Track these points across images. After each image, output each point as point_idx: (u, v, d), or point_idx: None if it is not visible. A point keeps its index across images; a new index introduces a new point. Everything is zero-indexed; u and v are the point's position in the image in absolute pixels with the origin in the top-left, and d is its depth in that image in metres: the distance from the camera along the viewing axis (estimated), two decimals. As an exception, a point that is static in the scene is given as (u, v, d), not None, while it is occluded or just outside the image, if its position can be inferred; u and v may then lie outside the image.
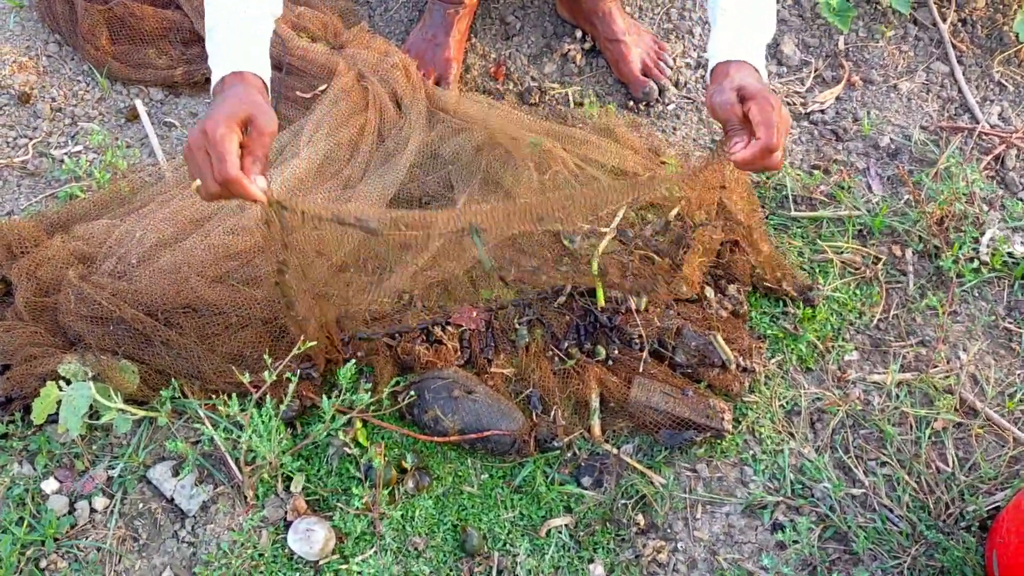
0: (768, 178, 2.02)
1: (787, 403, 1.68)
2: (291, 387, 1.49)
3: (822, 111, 2.18)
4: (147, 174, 1.87)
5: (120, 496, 1.54)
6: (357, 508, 1.50)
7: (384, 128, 1.92)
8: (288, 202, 1.34)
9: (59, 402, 1.49)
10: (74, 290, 1.54)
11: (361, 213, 1.39)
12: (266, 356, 1.45)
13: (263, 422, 1.45)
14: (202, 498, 1.53)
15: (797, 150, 2.10)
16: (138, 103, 2.04)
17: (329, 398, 1.52)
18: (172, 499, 1.54)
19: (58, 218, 1.76)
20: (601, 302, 1.67)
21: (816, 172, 2.03)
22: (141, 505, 1.54)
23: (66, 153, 1.97)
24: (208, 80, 1.96)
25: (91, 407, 1.50)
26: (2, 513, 1.50)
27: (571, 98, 2.19)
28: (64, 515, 1.51)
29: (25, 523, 1.49)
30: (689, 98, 2.20)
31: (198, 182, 1.27)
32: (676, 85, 2.21)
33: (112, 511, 1.53)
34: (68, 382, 1.52)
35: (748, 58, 1.43)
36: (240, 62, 1.36)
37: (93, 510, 1.52)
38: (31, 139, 1.99)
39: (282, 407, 1.50)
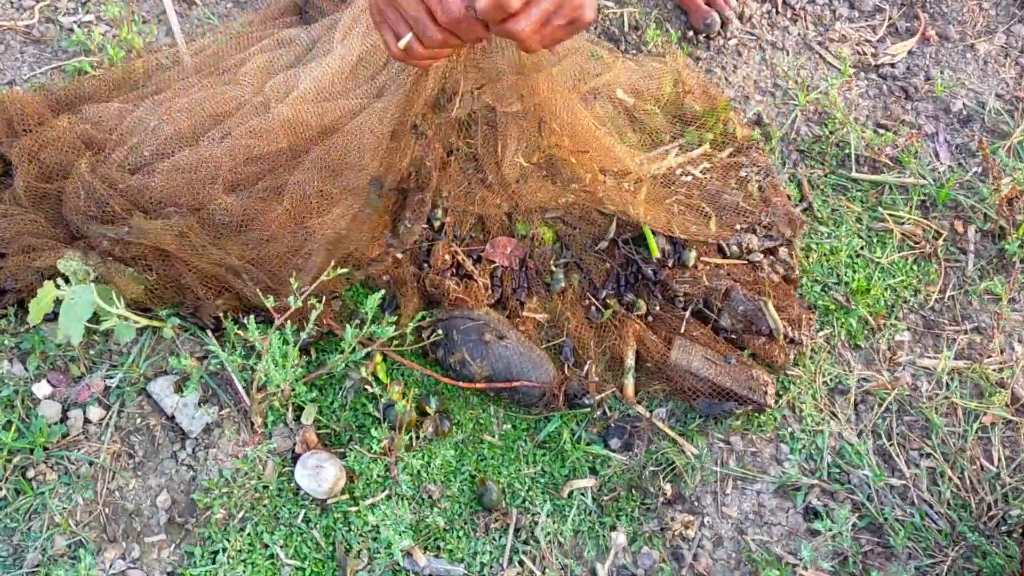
0: (832, 132, 1.87)
1: (831, 380, 1.59)
2: (314, 313, 1.37)
3: (892, 65, 2.02)
4: (164, 56, 1.69)
5: (117, 408, 1.43)
6: (373, 450, 1.40)
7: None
8: None
9: (57, 301, 1.36)
10: (84, 185, 1.39)
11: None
12: (292, 280, 1.32)
13: (279, 346, 1.33)
14: (205, 420, 1.42)
15: (863, 105, 1.95)
16: (156, -26, 1.84)
17: (350, 326, 1.40)
18: (173, 416, 1.43)
19: (65, 95, 1.59)
20: (655, 252, 1.55)
21: (883, 131, 1.88)
22: (139, 420, 1.43)
23: (76, 21, 1.78)
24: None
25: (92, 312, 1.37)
26: (-11, 415, 1.39)
27: (626, 19, 2.01)
28: (56, 423, 1.40)
29: (13, 427, 1.38)
30: (753, 34, 2.02)
31: (406, 39, 1.02)
32: (740, 18, 2.04)
33: (108, 423, 1.42)
34: (67, 280, 1.39)
35: None
36: None
37: (87, 420, 1.42)
38: (38, 1, 1.80)
39: (303, 334, 1.38)
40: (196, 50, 1.69)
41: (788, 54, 2.00)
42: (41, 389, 1.42)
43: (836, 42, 2.03)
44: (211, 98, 1.55)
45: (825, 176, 1.82)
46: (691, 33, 1.99)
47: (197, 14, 1.83)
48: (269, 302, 1.34)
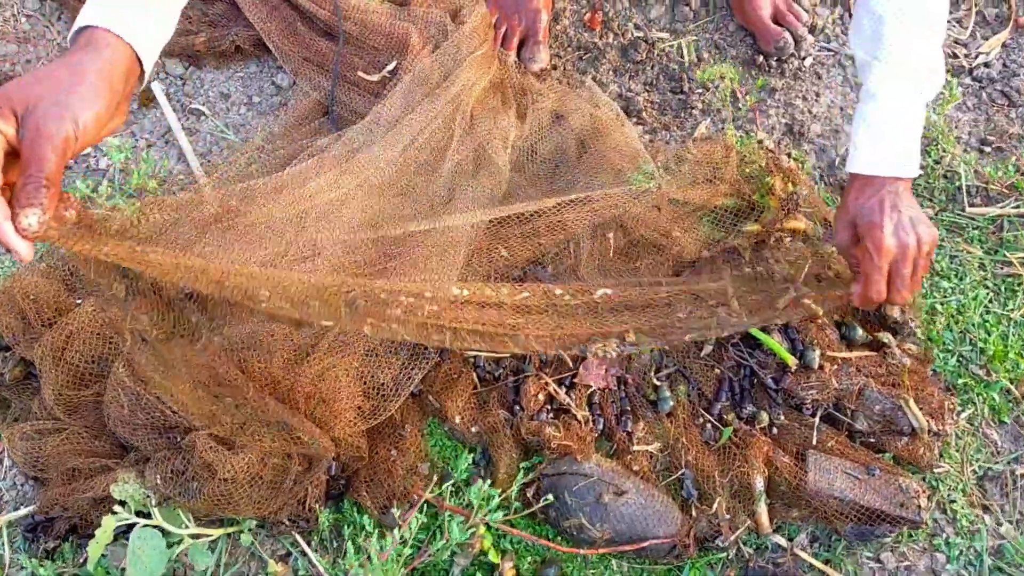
0: (937, 161, 1.65)
1: (980, 467, 1.42)
2: (414, 515, 1.20)
3: (987, 64, 1.78)
4: (185, 193, 1.47)
5: (205, 631, 1.28)
6: (495, 641, 1.25)
7: (464, 122, 1.52)
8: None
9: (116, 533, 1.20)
10: (126, 392, 1.21)
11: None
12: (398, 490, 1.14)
13: (383, 569, 1.17)
14: (304, 628, 1.27)
15: (964, 120, 1.72)
16: (154, 85, 1.60)
17: (439, 495, 1.23)
18: (266, 627, 1.28)
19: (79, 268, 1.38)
20: (789, 360, 1.37)
21: (986, 149, 1.67)
22: (231, 640, 1.28)
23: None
24: (238, 48, 1.54)
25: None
26: (65, 664, 1.24)
27: (685, 52, 1.77)
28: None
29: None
30: (829, 48, 1.78)
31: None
32: (812, 31, 1.79)
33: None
34: (123, 503, 1.22)
35: (881, 168, 1.26)
36: (102, 11, 0.93)
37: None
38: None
39: (406, 549, 1.21)
40: (219, 181, 1.46)
41: (871, 68, 1.76)
42: (117, 628, 1.26)
43: (924, 47, 1.78)
44: (255, 244, 1.35)
45: (936, 215, 1.61)
46: (760, 58, 1.75)
47: (208, 127, 1.60)
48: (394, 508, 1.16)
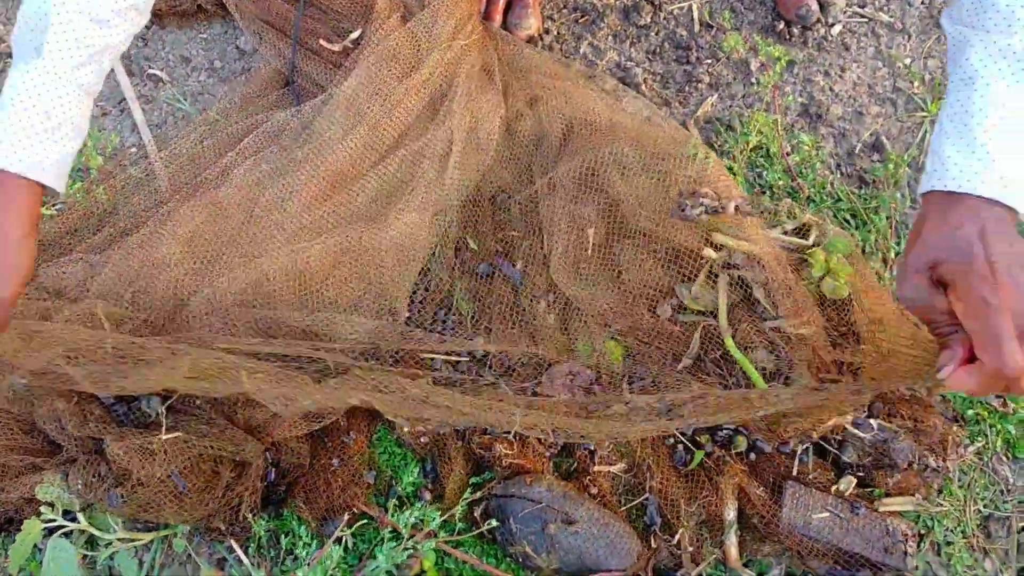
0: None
1: (986, 506, 1.27)
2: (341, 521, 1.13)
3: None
4: (135, 168, 1.39)
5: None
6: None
7: (438, 100, 1.38)
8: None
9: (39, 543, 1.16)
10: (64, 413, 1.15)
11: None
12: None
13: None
14: (237, 638, 1.23)
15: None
16: (111, 50, 1.50)
17: (382, 506, 1.16)
18: (200, 634, 1.24)
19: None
20: (759, 382, 1.23)
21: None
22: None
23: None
24: (200, 8, 1.42)
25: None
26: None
27: (696, 15, 1.58)
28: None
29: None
30: (863, 15, 1.57)
31: None
32: (844, -6, 1.58)
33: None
34: (52, 505, 1.18)
35: (984, 186, 0.86)
36: (15, 151, 0.97)
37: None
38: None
39: (334, 551, 1.14)
40: (170, 157, 1.37)
41: (910, 37, 1.54)
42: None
43: (973, 15, 1.55)
44: (196, 236, 1.26)
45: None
46: (781, 25, 1.56)
47: (165, 95, 1.50)
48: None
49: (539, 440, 1.27)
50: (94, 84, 1.03)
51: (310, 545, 1.20)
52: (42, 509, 1.16)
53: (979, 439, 1.30)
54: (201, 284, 1.22)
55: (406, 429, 1.28)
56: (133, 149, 1.44)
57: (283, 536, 1.24)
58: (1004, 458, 1.30)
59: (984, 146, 0.86)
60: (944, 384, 0.85)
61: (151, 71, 1.51)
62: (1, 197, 0.96)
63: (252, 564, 1.24)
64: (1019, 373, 0.80)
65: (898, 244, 1.38)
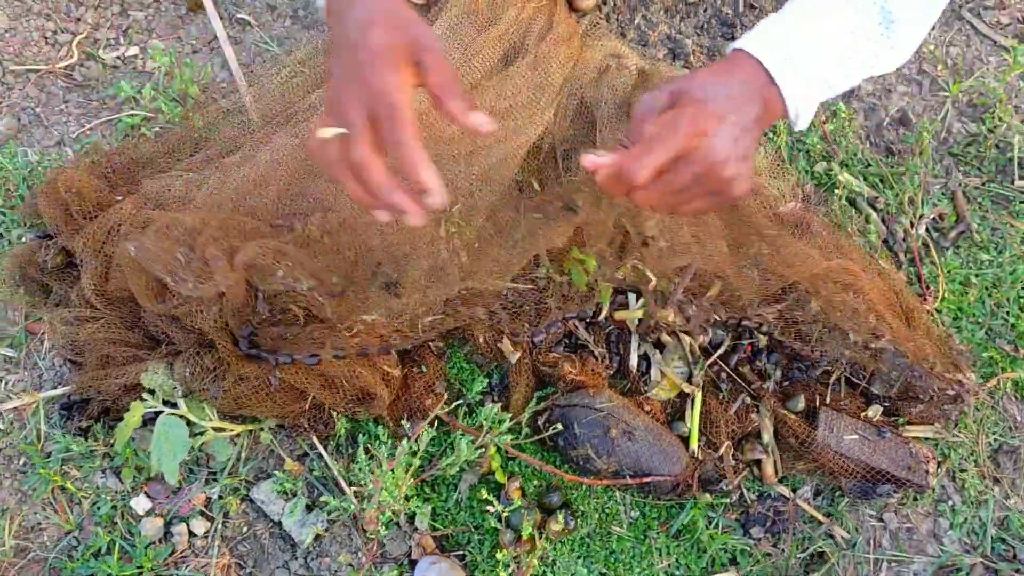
0: (991, 130, 1.61)
1: (996, 440, 1.41)
2: (423, 430, 1.24)
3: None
4: (225, 101, 1.50)
5: (221, 518, 1.34)
6: (495, 556, 1.29)
7: (512, 55, 1.51)
8: None
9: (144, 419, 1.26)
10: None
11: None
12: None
13: (392, 477, 1.21)
14: (315, 527, 1.33)
15: (1025, 87, 1.66)
16: (203, -12, 1.61)
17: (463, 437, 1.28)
18: (279, 522, 1.34)
19: (121, 164, 1.42)
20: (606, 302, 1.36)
21: (1047, 118, 1.62)
22: (246, 529, 1.34)
23: (119, 57, 1.58)
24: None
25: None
26: (91, 536, 1.31)
27: (742, -4, 1.72)
28: (160, 540, 1.32)
29: (117, 548, 1.31)
30: (892, 3, 1.72)
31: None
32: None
33: (213, 535, 1.34)
34: (152, 392, 1.27)
35: (772, 60, 0.94)
36: None
37: (192, 534, 1.33)
38: (74, 34, 1.60)
39: (415, 459, 1.25)
40: (259, 92, 1.48)
41: (934, 27, 1.70)
42: (140, 503, 1.33)
43: (992, 8, 1.72)
44: (285, 162, 1.37)
45: (983, 185, 1.57)
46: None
47: (253, 38, 1.61)
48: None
49: (597, 359, 1.39)
50: None
51: (386, 443, 1.30)
52: (144, 396, 1.26)
53: (992, 378, 1.44)
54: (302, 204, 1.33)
55: (481, 341, 1.39)
56: (224, 85, 1.55)
57: (360, 435, 1.35)
58: (1013, 398, 1.44)
59: (804, 37, 0.97)
60: (585, 168, 0.90)
61: (239, 15, 1.62)
62: None
63: (332, 459, 1.35)
64: (635, 182, 0.86)
65: (923, 205, 1.53)
